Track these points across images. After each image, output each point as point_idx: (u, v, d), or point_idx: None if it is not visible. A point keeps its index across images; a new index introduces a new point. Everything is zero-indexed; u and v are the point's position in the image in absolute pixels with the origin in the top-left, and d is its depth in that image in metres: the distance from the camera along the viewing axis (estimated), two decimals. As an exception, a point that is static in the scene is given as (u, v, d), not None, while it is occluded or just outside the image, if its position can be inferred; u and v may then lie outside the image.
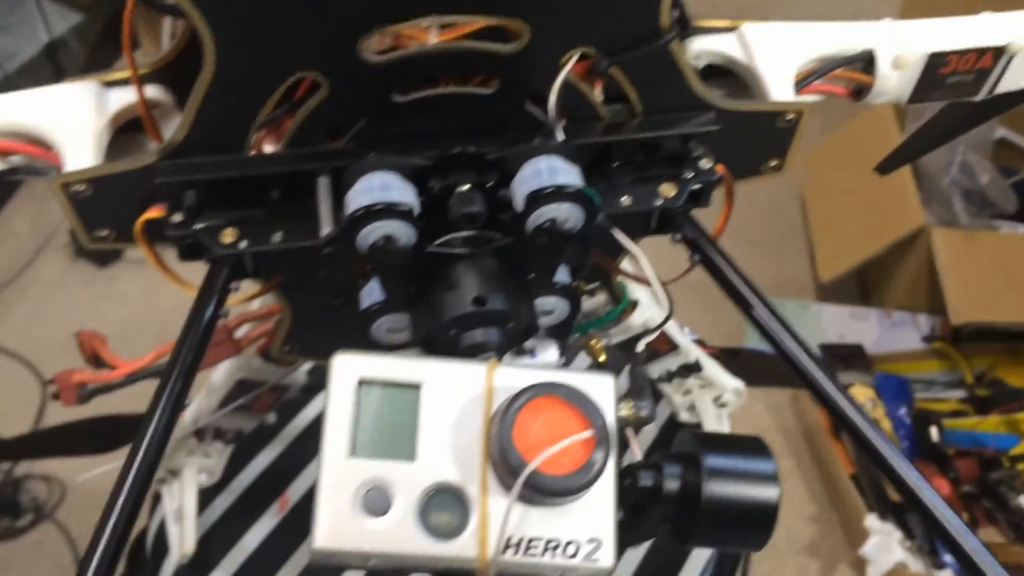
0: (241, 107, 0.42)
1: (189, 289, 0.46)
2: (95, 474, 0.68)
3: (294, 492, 0.80)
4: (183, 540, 0.73)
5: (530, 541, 0.31)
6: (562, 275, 0.43)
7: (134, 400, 0.74)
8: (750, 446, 0.36)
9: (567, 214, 0.38)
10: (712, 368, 0.78)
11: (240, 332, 0.60)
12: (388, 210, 0.37)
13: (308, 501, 0.79)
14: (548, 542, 0.31)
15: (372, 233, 0.37)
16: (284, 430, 0.85)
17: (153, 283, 1.90)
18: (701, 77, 0.48)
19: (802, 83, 0.51)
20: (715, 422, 0.84)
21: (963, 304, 1.56)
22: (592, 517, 0.32)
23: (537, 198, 0.37)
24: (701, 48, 0.51)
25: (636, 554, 0.78)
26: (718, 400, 0.83)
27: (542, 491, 0.30)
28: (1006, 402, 1.60)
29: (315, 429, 0.85)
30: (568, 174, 0.38)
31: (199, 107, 0.41)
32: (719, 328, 1.56)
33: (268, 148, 0.45)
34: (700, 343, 0.85)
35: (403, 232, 0.37)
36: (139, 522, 0.73)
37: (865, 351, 1.65)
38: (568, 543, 0.31)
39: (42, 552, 1.43)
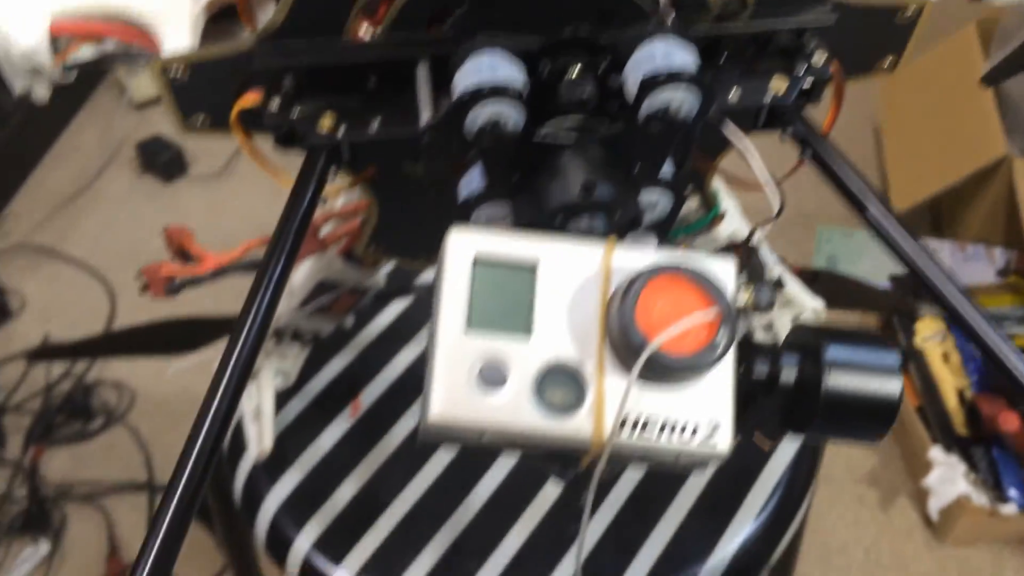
0: None
1: (283, 180, 0.46)
2: (182, 367, 0.69)
3: (367, 397, 0.81)
4: (261, 438, 0.74)
5: (646, 421, 0.30)
6: (666, 169, 0.41)
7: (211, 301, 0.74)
8: (871, 339, 0.35)
9: (681, 101, 0.36)
10: (794, 286, 0.77)
11: (324, 230, 0.59)
12: (498, 91, 0.35)
13: (380, 407, 0.80)
14: (665, 423, 0.30)
15: (480, 116, 0.36)
16: (358, 336, 0.85)
17: (216, 199, 1.92)
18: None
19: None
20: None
21: (1044, 238, 1.52)
22: (710, 400, 0.31)
23: (651, 83, 0.36)
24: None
25: (700, 478, 0.78)
26: (796, 319, 0.82)
27: (664, 371, 0.29)
28: (1080, 339, 1.56)
29: (390, 335, 0.86)
30: (684, 58, 0.37)
31: (299, -13, 0.40)
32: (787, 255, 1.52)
33: (364, 35, 0.44)
34: (781, 261, 0.83)
35: (512, 115, 0.36)
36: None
37: (936, 283, 1.61)
38: (685, 424, 0.30)
39: (113, 454, 1.48)
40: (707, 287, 0.31)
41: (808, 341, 0.35)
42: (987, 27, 1.81)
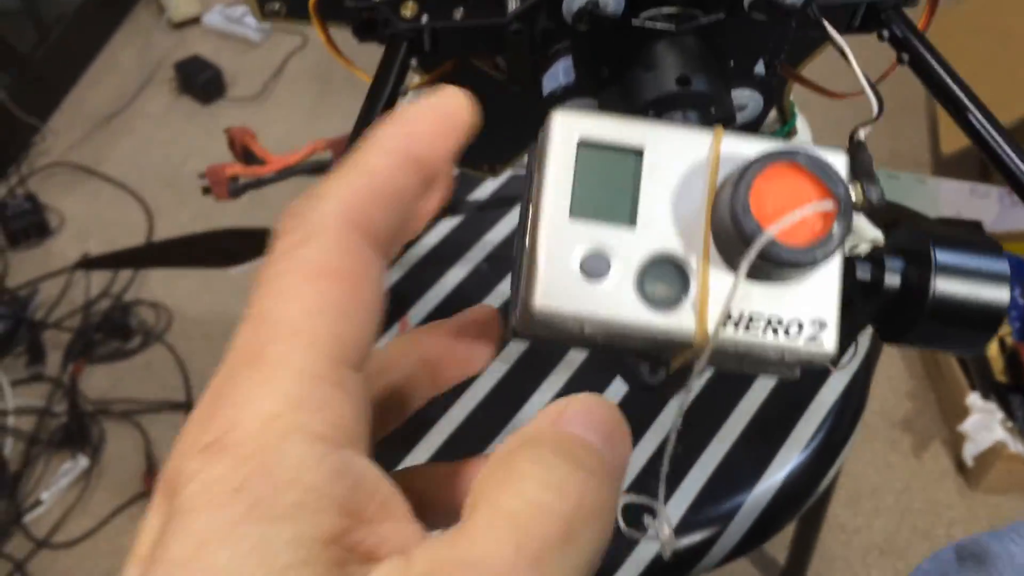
0: None
1: (362, 73, 0.45)
2: (245, 268, 0.69)
3: (415, 315, 0.81)
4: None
5: (751, 317, 0.29)
6: (758, 69, 0.40)
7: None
8: (979, 243, 0.33)
9: (789, -14, 0.35)
10: (856, 219, 0.75)
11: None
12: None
13: (427, 322, 0.80)
14: (771, 319, 0.29)
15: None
16: (406, 255, 0.84)
17: (255, 121, 1.90)
18: None
19: None
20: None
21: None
22: (817, 298, 0.30)
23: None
24: None
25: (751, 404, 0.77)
26: (853, 250, 0.80)
27: (774, 264, 0.28)
28: (1126, 289, 1.53)
29: (436, 255, 0.85)
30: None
31: None
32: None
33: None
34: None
35: (610, -1, 0.35)
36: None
37: (983, 228, 1.58)
38: (791, 322, 0.29)
39: (151, 371, 1.49)
40: (823, 177, 0.29)
41: (914, 243, 0.34)
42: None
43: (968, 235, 0.35)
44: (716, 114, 0.38)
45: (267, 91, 1.94)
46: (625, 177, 0.31)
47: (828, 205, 0.29)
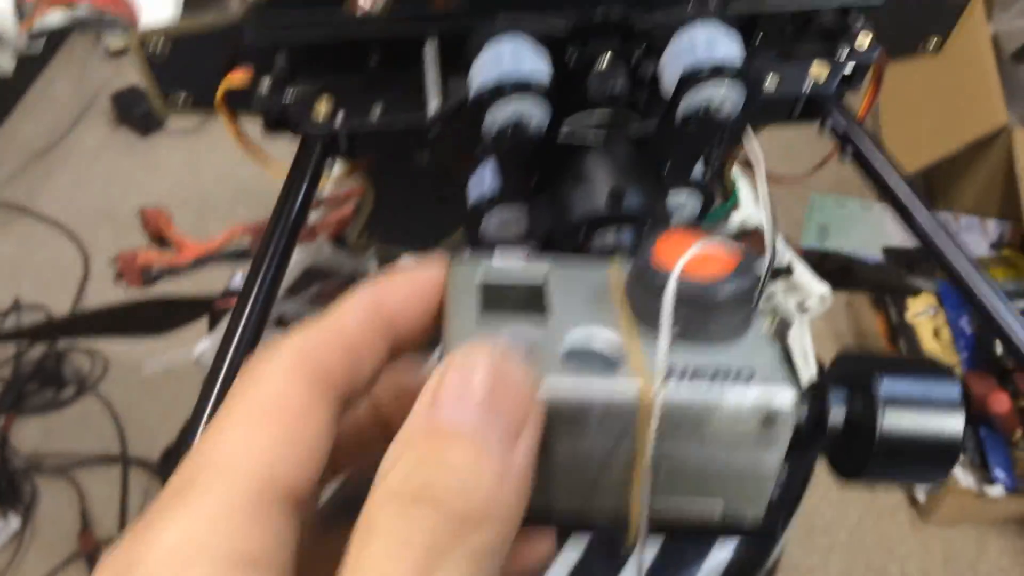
0: None
1: (274, 169, 0.42)
2: (160, 362, 0.65)
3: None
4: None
5: (695, 369, 0.26)
6: (697, 169, 0.38)
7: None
8: (927, 367, 0.31)
9: (724, 98, 0.33)
10: (802, 272, 0.73)
11: (313, 217, 0.55)
12: (521, 87, 0.31)
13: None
14: (716, 369, 0.26)
15: (501, 115, 0.32)
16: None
17: (195, 154, 1.86)
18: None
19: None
20: (796, 327, 0.80)
21: (1040, 213, 1.49)
22: (756, 355, 0.27)
23: (692, 79, 0.32)
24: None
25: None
26: (801, 305, 0.78)
27: (697, 299, 0.25)
28: (1071, 315, 1.54)
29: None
30: (728, 48, 0.33)
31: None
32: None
33: (366, 4, 0.40)
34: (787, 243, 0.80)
35: (536, 113, 0.32)
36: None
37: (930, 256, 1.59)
38: (739, 370, 0.26)
39: (86, 424, 1.44)
40: (719, 237, 0.27)
41: (856, 372, 0.31)
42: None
43: (915, 360, 0.32)
44: (650, 227, 0.35)
45: (208, 122, 1.89)
46: (531, 293, 0.29)
47: (729, 249, 0.27)
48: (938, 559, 1.37)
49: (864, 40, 0.41)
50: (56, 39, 2.11)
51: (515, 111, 0.32)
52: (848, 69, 0.41)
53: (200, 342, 0.71)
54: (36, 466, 1.38)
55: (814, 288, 0.77)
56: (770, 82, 0.40)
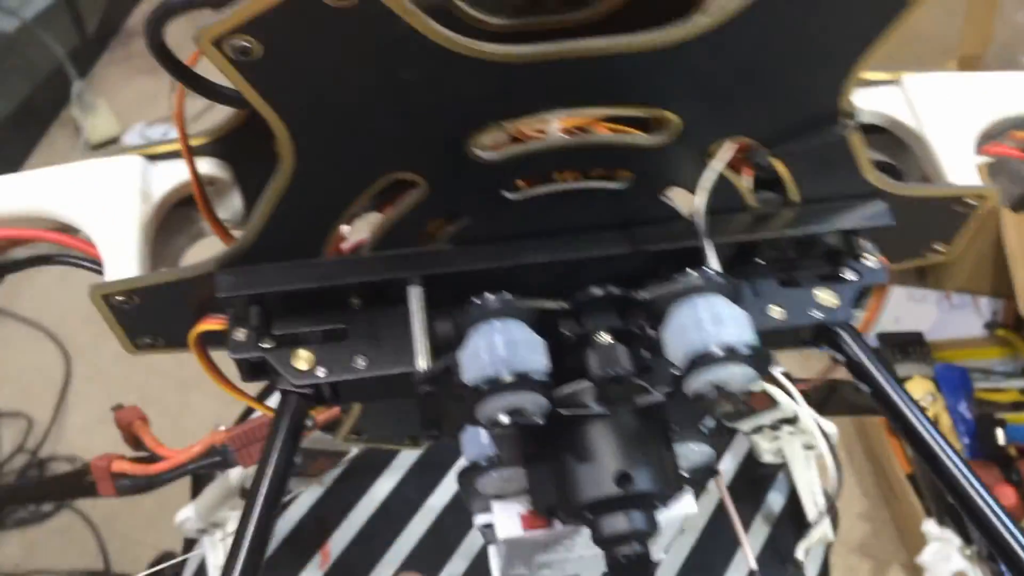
0: (322, 212, 0.34)
1: (260, 406, 0.39)
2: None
3: (335, 545, 0.74)
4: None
5: None
6: (709, 419, 0.35)
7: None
8: None
9: (736, 374, 0.30)
10: (808, 419, 0.71)
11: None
12: (518, 383, 0.29)
13: (348, 555, 0.73)
14: None
15: (497, 406, 0.30)
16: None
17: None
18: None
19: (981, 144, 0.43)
20: (803, 465, 0.77)
21: (1034, 294, 1.48)
22: None
23: (703, 361, 0.29)
24: (859, 106, 0.42)
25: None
26: (807, 445, 0.76)
27: None
28: (1070, 394, 1.53)
29: (352, 471, 0.78)
30: (736, 324, 0.30)
31: (272, 212, 0.33)
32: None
33: (346, 246, 0.37)
34: (787, 377, 0.77)
35: (535, 404, 0.30)
36: None
37: (924, 339, 1.57)
38: None
39: (68, 539, 1.39)
40: None
41: None
42: (968, 63, 1.78)
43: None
44: (664, 502, 0.33)
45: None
46: None
47: None
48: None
49: (872, 261, 0.39)
50: (37, 131, 2.11)
51: (513, 401, 0.29)
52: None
53: (182, 511, 0.68)
54: (18, 586, 1.33)
55: (818, 431, 0.75)
56: (777, 312, 0.38)
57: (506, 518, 0.36)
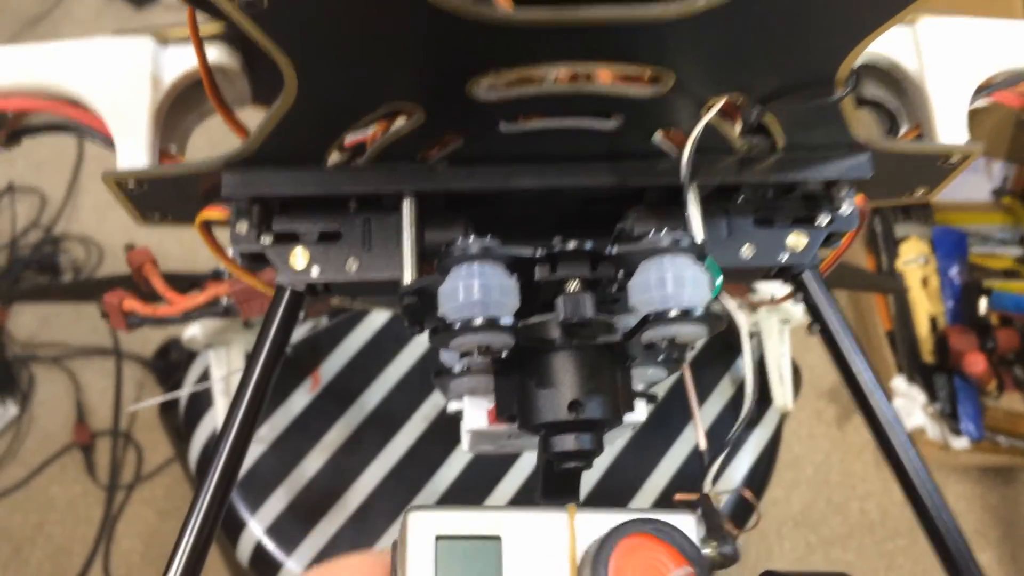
0: (324, 130, 0.36)
1: (259, 284, 0.42)
2: (144, 406, 0.66)
3: (325, 372, 0.79)
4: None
5: None
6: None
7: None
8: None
9: (688, 332, 0.33)
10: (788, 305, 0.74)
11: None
12: (489, 325, 0.32)
13: (339, 381, 0.78)
14: None
15: (468, 342, 0.32)
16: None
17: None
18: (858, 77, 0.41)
19: (977, 95, 0.44)
20: (776, 340, 0.81)
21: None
22: None
23: (658, 319, 0.32)
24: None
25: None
26: (784, 320, 0.80)
27: None
28: (1061, 267, 1.55)
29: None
30: (696, 287, 0.33)
31: (275, 127, 0.35)
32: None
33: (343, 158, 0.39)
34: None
35: (500, 342, 0.33)
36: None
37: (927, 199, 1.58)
38: None
39: (80, 315, 1.46)
40: (677, 544, 0.30)
41: None
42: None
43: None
44: (611, 426, 0.36)
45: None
46: (487, 564, 0.31)
47: (686, 571, 0.29)
48: (898, 499, 1.43)
49: (848, 208, 0.41)
50: None
51: (481, 340, 0.32)
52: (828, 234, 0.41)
53: (188, 328, 0.72)
54: (33, 355, 1.41)
55: (797, 311, 0.79)
56: (747, 250, 0.40)
57: (474, 411, 0.40)
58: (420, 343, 0.80)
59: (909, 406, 1.39)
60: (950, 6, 0.43)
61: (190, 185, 0.39)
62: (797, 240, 0.41)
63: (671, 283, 0.32)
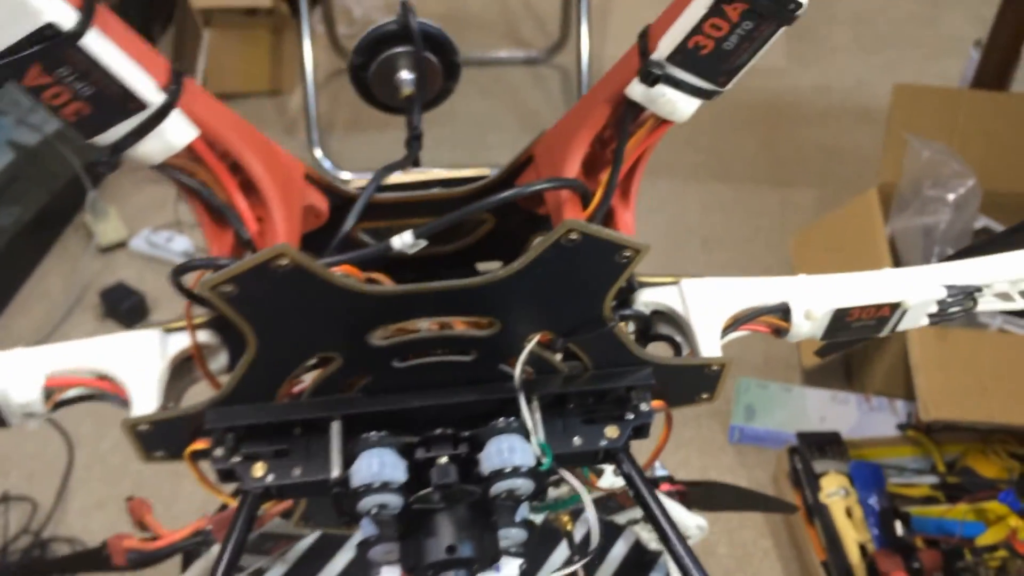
0: (275, 374, 0.54)
1: (228, 499, 0.58)
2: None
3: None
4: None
5: None
6: (523, 510, 0.54)
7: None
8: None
9: (521, 485, 0.50)
10: (676, 512, 0.89)
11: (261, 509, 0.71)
12: (383, 487, 0.48)
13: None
14: None
15: (369, 502, 0.49)
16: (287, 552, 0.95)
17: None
18: (653, 321, 0.60)
19: (730, 328, 0.63)
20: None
21: (933, 401, 1.66)
22: None
23: (497, 475, 0.49)
24: (649, 299, 0.62)
25: None
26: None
27: None
28: (975, 491, 1.69)
29: (312, 550, 0.96)
30: (524, 453, 0.50)
31: (243, 375, 0.53)
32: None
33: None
34: (670, 480, 0.96)
35: (393, 501, 0.49)
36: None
37: (841, 439, 1.75)
38: None
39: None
40: None
41: None
42: (887, 190, 2.00)
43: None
44: (481, 566, 0.52)
45: (188, 316, 2.07)
46: None
47: None
48: None
49: (645, 406, 0.58)
50: (51, 234, 2.32)
51: (379, 500, 0.49)
52: (636, 425, 0.59)
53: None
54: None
55: (689, 523, 0.94)
56: (577, 440, 0.57)
57: (391, 574, 0.55)
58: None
59: (849, 631, 1.48)
60: (822, 268, 0.63)
61: (183, 424, 0.56)
62: (612, 431, 0.58)
63: (506, 451, 0.50)
